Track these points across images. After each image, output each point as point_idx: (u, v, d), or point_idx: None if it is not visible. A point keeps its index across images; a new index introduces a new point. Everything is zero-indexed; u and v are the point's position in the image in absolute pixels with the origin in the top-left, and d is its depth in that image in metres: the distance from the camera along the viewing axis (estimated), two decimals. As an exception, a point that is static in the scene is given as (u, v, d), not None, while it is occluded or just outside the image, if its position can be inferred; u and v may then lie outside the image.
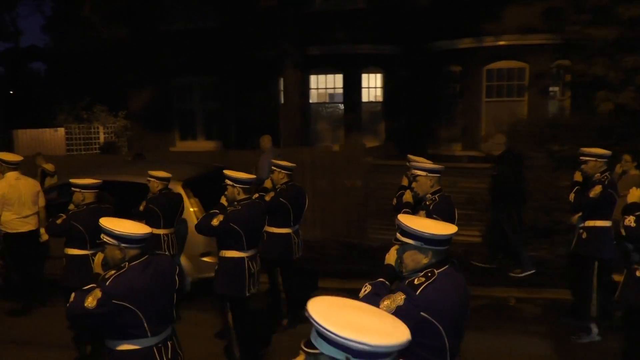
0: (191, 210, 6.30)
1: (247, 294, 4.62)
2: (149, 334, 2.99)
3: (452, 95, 13.21)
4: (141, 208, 5.80)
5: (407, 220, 2.60)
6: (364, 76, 13.72)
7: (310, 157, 8.97)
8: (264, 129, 14.34)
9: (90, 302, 2.80)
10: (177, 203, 6.05)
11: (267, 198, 5.31)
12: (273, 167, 5.51)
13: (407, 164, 5.03)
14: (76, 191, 5.00)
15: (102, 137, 16.77)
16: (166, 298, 3.12)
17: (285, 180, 5.49)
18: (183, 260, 6.31)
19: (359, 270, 7.13)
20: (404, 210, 4.45)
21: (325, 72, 13.71)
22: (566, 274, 6.33)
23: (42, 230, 6.22)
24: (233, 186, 4.59)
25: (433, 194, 4.53)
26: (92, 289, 2.87)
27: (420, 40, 13.00)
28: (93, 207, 4.98)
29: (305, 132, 13.80)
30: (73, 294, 2.93)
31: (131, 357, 2.99)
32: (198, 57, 14.17)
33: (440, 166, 4.68)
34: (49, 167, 7.53)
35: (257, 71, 13.94)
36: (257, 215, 4.77)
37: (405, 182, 5.15)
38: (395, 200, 5.03)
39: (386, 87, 13.86)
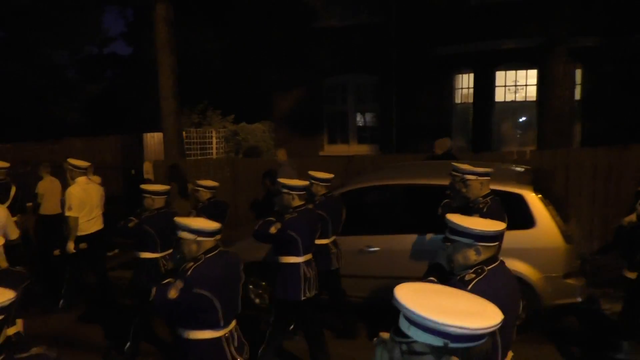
0: (547, 217, 5.37)
1: (303, 298, 4.71)
2: (221, 323, 3.21)
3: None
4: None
5: (456, 218, 2.69)
6: (561, 72, 12.14)
7: (593, 159, 7.68)
8: (433, 131, 13.22)
9: (173, 293, 3.06)
10: (223, 211, 6.26)
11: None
12: (312, 180, 5.54)
13: (452, 172, 5.08)
14: (147, 197, 5.18)
15: (214, 141, 16.63)
16: (235, 290, 3.37)
17: (323, 192, 5.59)
18: (539, 281, 5.32)
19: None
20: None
21: (515, 68, 12.33)
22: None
23: None
24: (288, 193, 4.71)
25: (484, 197, 4.65)
26: (172, 283, 3.13)
27: (631, 31, 11.33)
28: (163, 211, 5.19)
29: (489, 134, 12.49)
30: (154, 289, 3.19)
31: (203, 345, 3.20)
32: (355, 56, 13.23)
33: (490, 169, 4.78)
34: (96, 179, 7.86)
35: (426, 70, 12.84)
36: (313, 221, 4.90)
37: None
38: (440, 210, 5.14)
39: (586, 83, 12.24)
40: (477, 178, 4.68)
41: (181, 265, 3.24)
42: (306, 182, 4.99)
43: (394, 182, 6.17)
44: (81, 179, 6.36)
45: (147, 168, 10.18)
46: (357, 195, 6.13)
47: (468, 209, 4.48)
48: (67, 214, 6.13)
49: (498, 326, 1.47)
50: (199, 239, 3.23)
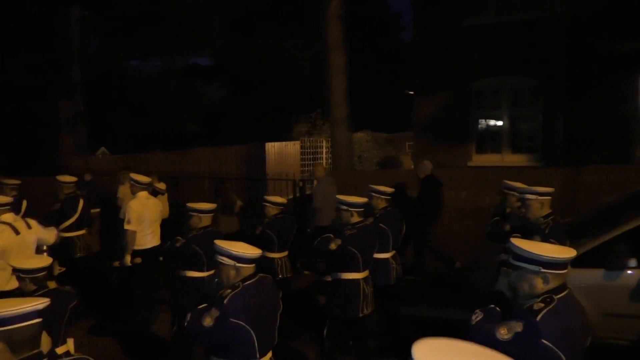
0: None
1: (360, 315, 4.75)
2: (257, 355, 3.05)
3: None
4: (257, 232, 5.96)
5: (522, 243, 2.54)
6: None
7: None
8: (611, 139, 11.62)
9: (209, 321, 2.95)
10: (291, 227, 6.28)
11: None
12: (372, 193, 5.61)
13: (504, 190, 5.28)
14: (194, 215, 5.20)
15: (324, 150, 15.80)
16: (273, 319, 3.25)
17: (383, 205, 5.67)
18: None
19: None
20: (514, 234, 3.82)
21: None
22: None
23: None
24: (347, 210, 4.78)
25: (545, 217, 4.53)
26: (209, 308, 3.01)
27: None
28: (210, 230, 5.21)
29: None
30: (190, 314, 3.08)
31: None
32: (511, 56, 11.82)
33: (551, 189, 4.62)
34: (162, 185, 7.72)
35: (603, 70, 11.17)
36: (372, 237, 4.95)
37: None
38: (489, 228, 5.20)
39: None
40: (537, 198, 4.56)
41: (219, 290, 3.14)
42: (365, 199, 5.08)
43: None
44: (142, 194, 6.57)
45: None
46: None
47: (526, 230, 4.29)
48: (125, 227, 6.36)
49: None
50: (238, 265, 3.14)
